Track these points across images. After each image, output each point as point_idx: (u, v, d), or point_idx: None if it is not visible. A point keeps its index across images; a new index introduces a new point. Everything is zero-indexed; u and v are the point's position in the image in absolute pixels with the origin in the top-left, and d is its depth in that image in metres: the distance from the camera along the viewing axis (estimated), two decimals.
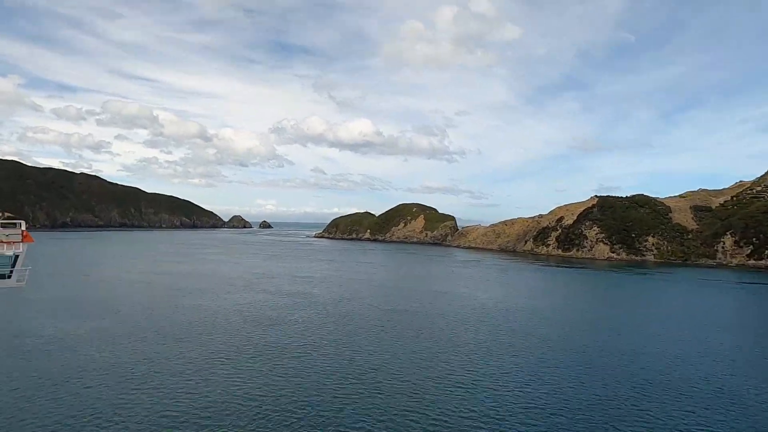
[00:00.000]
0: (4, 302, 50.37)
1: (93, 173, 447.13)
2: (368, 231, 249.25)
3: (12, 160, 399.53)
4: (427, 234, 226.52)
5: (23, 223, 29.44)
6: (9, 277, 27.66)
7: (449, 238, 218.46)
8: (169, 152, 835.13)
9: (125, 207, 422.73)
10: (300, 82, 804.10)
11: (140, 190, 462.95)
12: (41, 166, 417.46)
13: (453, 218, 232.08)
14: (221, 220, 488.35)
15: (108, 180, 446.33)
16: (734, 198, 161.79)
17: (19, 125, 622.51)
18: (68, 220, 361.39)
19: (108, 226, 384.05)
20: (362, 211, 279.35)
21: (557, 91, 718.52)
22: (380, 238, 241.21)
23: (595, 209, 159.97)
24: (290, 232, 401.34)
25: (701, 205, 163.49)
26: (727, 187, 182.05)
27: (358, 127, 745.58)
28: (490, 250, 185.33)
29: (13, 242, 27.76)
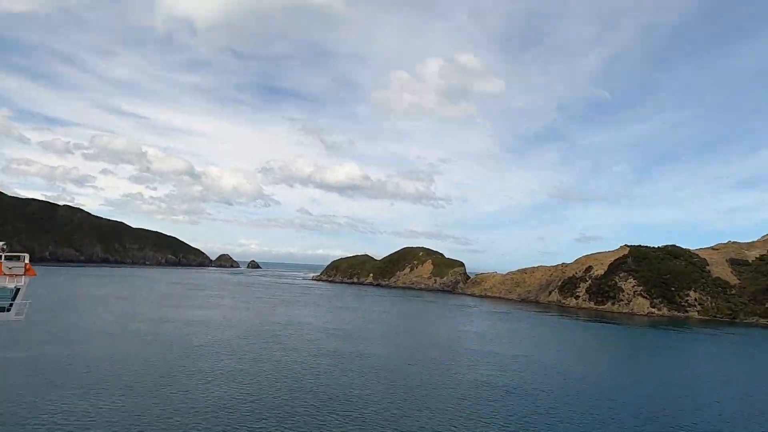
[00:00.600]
0: None
1: (76, 206, 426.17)
2: (371, 275, 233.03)
3: None
4: (435, 280, 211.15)
5: (27, 256, 28.74)
6: (8, 310, 26.85)
7: (460, 285, 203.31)
8: (155, 188, 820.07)
9: (109, 242, 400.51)
10: (289, 125, 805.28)
11: (125, 224, 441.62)
12: (23, 197, 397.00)
13: (462, 264, 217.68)
14: (208, 258, 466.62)
15: (92, 213, 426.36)
16: None
17: (4, 157, 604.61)
18: (47, 254, 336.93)
19: (90, 261, 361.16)
20: (353, 254, 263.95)
21: (538, 142, 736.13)
22: (384, 283, 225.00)
23: (628, 259, 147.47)
24: (282, 273, 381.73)
25: (737, 258, 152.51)
26: (756, 239, 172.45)
27: (346, 170, 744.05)
28: (509, 300, 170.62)
29: (16, 275, 27.11)
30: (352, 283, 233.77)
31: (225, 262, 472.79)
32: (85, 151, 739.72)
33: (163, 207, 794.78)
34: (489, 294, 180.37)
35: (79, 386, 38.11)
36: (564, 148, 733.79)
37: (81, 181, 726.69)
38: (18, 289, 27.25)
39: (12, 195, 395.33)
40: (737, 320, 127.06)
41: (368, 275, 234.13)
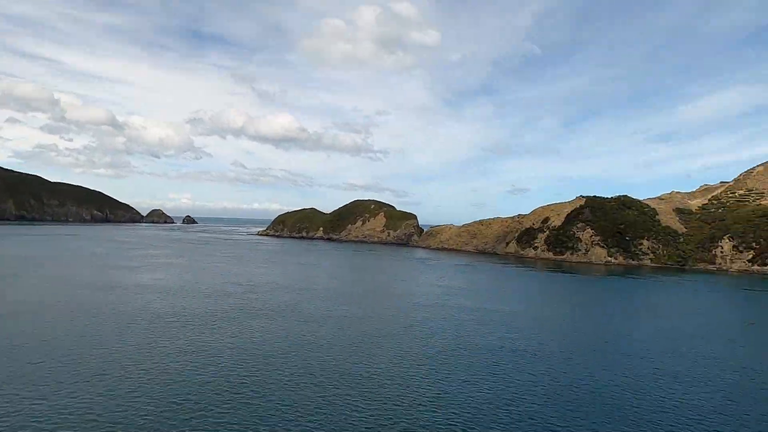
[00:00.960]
0: None
1: None
2: (320, 229, 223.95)
3: None
4: (389, 233, 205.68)
5: None
6: None
7: (414, 238, 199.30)
8: (71, 139, 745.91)
9: (22, 197, 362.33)
10: (217, 72, 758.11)
11: (41, 178, 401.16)
12: None
13: (415, 216, 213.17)
14: (139, 214, 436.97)
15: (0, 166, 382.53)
16: (714, 201, 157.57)
17: None
18: None
19: (3, 219, 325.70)
20: (296, 208, 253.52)
21: (474, 95, 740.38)
22: (335, 237, 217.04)
23: (585, 210, 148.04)
24: (223, 228, 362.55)
25: (682, 207, 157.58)
26: (694, 189, 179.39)
27: (280, 122, 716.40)
28: (465, 252, 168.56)
29: None
30: (302, 237, 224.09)
31: (158, 217, 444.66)
32: None
33: (82, 159, 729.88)
34: (445, 246, 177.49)
35: (36, 374, 28.08)
36: (497, 102, 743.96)
37: None
38: None
39: None
40: (686, 267, 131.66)
41: (318, 229, 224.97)
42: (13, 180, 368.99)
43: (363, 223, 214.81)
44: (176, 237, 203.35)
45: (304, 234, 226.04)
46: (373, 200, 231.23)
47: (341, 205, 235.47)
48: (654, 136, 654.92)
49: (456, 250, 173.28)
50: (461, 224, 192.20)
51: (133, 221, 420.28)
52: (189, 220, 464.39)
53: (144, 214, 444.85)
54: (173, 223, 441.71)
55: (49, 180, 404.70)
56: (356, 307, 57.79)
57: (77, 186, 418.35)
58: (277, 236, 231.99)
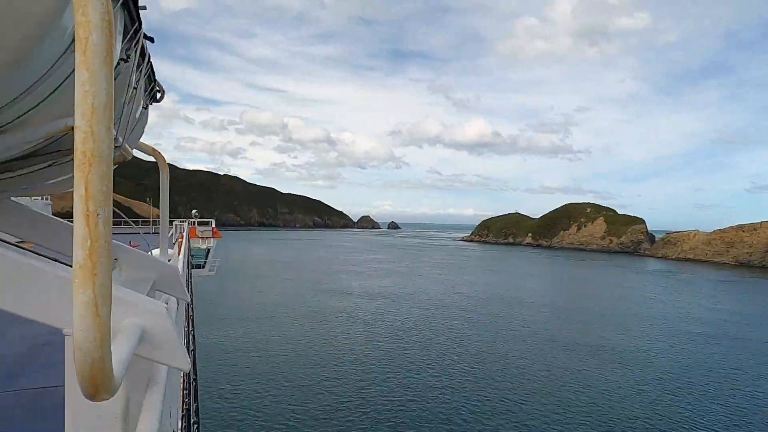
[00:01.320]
0: None
1: (233, 175, 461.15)
2: (529, 235, 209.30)
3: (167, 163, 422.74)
4: (611, 240, 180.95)
5: (213, 221, 35.95)
6: (203, 267, 30.04)
7: (645, 245, 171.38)
8: (295, 156, 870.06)
9: (262, 207, 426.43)
10: (415, 86, 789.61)
11: (275, 190, 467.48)
12: (190, 169, 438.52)
13: (643, 221, 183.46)
14: (351, 220, 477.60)
15: (247, 181, 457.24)
16: None
17: (174, 136, 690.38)
18: (213, 219, 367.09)
19: (248, 225, 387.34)
20: (502, 213, 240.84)
21: (695, 79, 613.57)
22: (544, 243, 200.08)
23: None
24: (426, 234, 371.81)
25: None
26: None
27: (474, 127, 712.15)
28: (719, 264, 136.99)
29: (206, 237, 33.23)
30: (508, 243, 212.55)
31: (366, 223, 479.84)
32: (237, 126, 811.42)
33: (304, 173, 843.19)
34: (689, 257, 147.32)
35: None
36: (731, 83, 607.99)
37: (234, 153, 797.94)
38: (209, 250, 30.90)
39: (182, 168, 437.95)
40: None
41: (526, 235, 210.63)
42: (256, 192, 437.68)
43: (578, 229, 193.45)
44: (388, 242, 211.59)
45: (511, 240, 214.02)
46: (590, 203, 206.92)
47: (551, 210, 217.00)
48: None
49: (705, 261, 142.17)
50: (691, 229, 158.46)
51: (346, 227, 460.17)
52: (393, 225, 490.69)
53: (355, 220, 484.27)
54: (380, 228, 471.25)
55: (281, 191, 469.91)
56: (613, 332, 45.94)
57: (301, 196, 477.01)
58: (482, 242, 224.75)
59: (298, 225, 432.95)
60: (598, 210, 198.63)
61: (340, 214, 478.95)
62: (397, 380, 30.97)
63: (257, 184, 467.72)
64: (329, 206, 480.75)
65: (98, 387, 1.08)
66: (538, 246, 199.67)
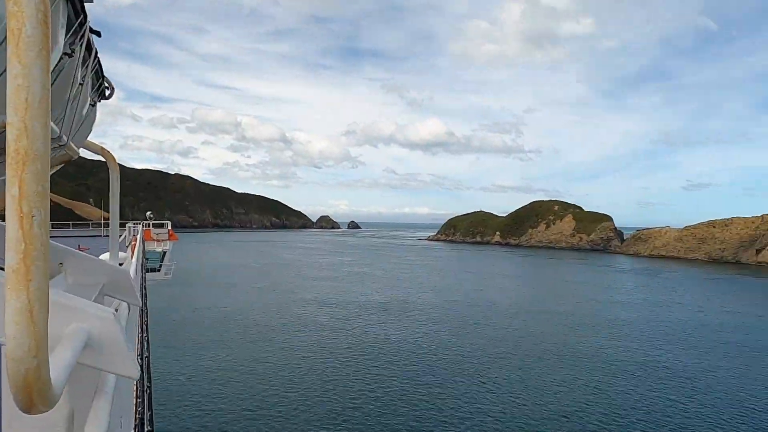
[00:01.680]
0: None
1: (185, 174, 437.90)
2: (497, 233, 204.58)
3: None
4: (581, 238, 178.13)
5: (169, 223, 33.45)
6: (158, 270, 29.07)
7: (615, 243, 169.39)
8: (249, 156, 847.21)
9: (216, 207, 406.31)
10: (370, 85, 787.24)
11: (230, 189, 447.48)
12: (138, 168, 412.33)
13: (610, 218, 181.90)
14: (310, 220, 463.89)
15: (199, 180, 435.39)
16: None
17: (121, 134, 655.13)
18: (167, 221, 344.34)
19: (201, 226, 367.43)
20: (471, 211, 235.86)
21: (637, 83, 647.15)
22: (513, 242, 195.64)
23: None
24: (389, 233, 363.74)
25: None
26: None
27: (428, 127, 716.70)
28: (692, 260, 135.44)
29: (162, 240, 30.66)
30: (475, 242, 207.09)
31: (326, 223, 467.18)
32: (188, 125, 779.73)
33: (258, 173, 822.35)
34: (661, 254, 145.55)
35: None
36: (668, 88, 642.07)
37: (185, 152, 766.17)
38: (164, 252, 30.35)
39: (129, 167, 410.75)
40: None
41: (494, 233, 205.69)
42: (209, 192, 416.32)
43: (547, 227, 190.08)
44: (352, 243, 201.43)
45: (479, 238, 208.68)
46: (557, 201, 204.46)
47: (517, 208, 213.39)
48: None
49: (677, 257, 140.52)
50: (638, 226, 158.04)
51: (305, 227, 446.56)
52: (354, 225, 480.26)
53: (313, 219, 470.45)
54: (340, 228, 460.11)
55: (236, 191, 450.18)
56: (598, 333, 38.38)
57: (257, 195, 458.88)
58: (449, 241, 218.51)
59: (254, 226, 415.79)
60: (565, 207, 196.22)
61: (299, 214, 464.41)
62: (363, 385, 27.68)
63: (210, 183, 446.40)
64: (287, 206, 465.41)
65: (33, 399, 0.99)
66: (507, 244, 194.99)
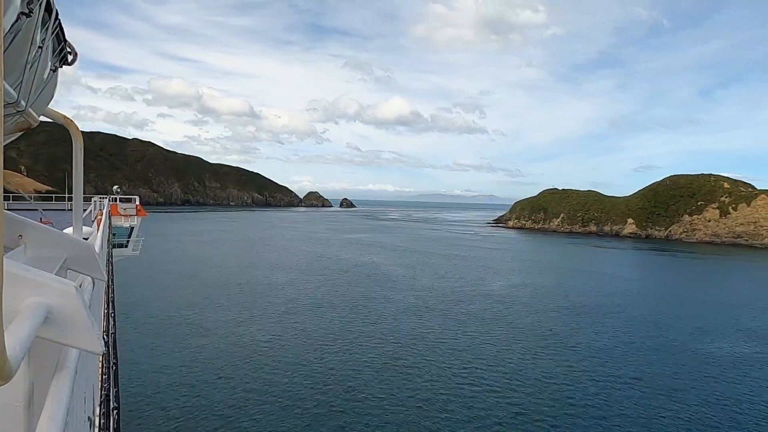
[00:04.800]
0: None
1: (146, 141, 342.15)
2: (630, 222, 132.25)
3: (56, 123, 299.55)
4: None
5: (137, 198, 31.11)
6: (126, 246, 28.07)
7: None
8: (209, 130, 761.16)
9: (187, 180, 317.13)
10: (335, 62, 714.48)
11: (202, 159, 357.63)
12: (89, 130, 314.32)
13: None
14: (297, 196, 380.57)
15: (165, 148, 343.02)
16: None
17: (72, 105, 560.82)
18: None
19: (169, 203, 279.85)
20: (573, 188, 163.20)
21: (591, 69, 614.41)
22: (658, 233, 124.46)
23: None
24: (407, 214, 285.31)
25: None
26: None
27: (392, 106, 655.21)
28: None
29: (130, 215, 28.92)
30: (588, 233, 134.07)
31: (315, 200, 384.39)
32: (146, 97, 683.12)
33: (217, 147, 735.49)
34: None
35: None
36: (620, 75, 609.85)
37: (141, 124, 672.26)
38: (132, 228, 28.51)
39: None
40: None
41: (622, 222, 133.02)
42: (178, 161, 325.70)
43: (723, 214, 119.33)
44: (387, 229, 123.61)
45: (593, 228, 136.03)
46: (719, 176, 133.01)
47: (648, 185, 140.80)
48: None
49: None
50: None
51: (291, 204, 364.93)
52: (347, 203, 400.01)
53: (300, 196, 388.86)
54: (331, 206, 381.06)
55: (210, 161, 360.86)
56: None
57: (236, 167, 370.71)
58: (540, 229, 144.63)
59: (232, 203, 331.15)
60: (738, 185, 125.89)
61: (284, 189, 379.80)
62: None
63: (179, 152, 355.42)
64: (271, 180, 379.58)
65: None
66: (649, 238, 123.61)
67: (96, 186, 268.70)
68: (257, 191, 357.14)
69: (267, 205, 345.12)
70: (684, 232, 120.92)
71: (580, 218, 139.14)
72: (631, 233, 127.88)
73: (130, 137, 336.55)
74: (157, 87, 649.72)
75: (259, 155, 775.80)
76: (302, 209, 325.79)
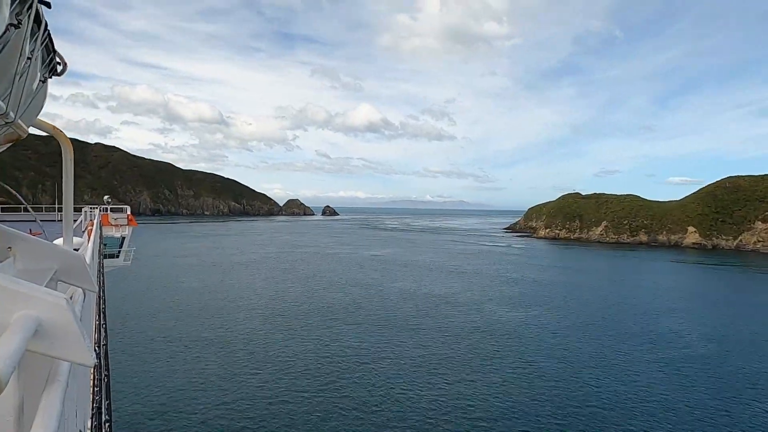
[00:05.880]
0: None
1: (111, 146, 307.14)
2: (692, 231, 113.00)
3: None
4: None
5: (129, 208, 30.28)
6: (117, 256, 27.33)
7: None
8: (174, 138, 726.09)
9: (157, 188, 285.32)
10: (303, 69, 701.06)
11: (174, 165, 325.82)
12: (44, 135, 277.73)
13: None
14: (277, 204, 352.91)
15: (131, 153, 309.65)
16: None
17: None
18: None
19: (138, 214, 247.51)
20: (613, 193, 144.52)
21: (554, 77, 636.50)
22: (726, 244, 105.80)
23: None
24: (405, 223, 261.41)
25: None
26: None
27: (360, 113, 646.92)
28: None
29: (121, 225, 28.20)
30: (640, 244, 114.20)
31: (297, 208, 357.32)
32: (110, 104, 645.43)
33: (184, 155, 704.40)
34: None
35: None
36: (580, 83, 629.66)
37: (103, 132, 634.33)
38: (123, 238, 27.89)
39: (31, 134, 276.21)
40: None
41: (682, 231, 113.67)
42: (146, 168, 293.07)
43: None
44: (400, 241, 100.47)
45: (646, 239, 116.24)
46: None
47: (702, 187, 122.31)
48: (760, 109, 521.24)
49: None
50: None
51: (271, 213, 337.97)
52: (330, 211, 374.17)
53: (280, 204, 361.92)
54: (314, 215, 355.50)
55: (182, 168, 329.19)
56: None
57: (211, 174, 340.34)
58: (577, 240, 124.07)
59: (207, 212, 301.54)
60: None
61: (263, 197, 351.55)
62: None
63: (147, 158, 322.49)
64: (248, 187, 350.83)
65: None
66: (716, 249, 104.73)
67: (53, 195, 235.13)
68: (234, 199, 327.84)
69: (245, 214, 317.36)
70: (759, 241, 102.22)
71: (627, 226, 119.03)
72: (694, 243, 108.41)
73: (92, 142, 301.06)
74: (121, 93, 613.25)
75: (228, 162, 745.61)
76: (283, 218, 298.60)
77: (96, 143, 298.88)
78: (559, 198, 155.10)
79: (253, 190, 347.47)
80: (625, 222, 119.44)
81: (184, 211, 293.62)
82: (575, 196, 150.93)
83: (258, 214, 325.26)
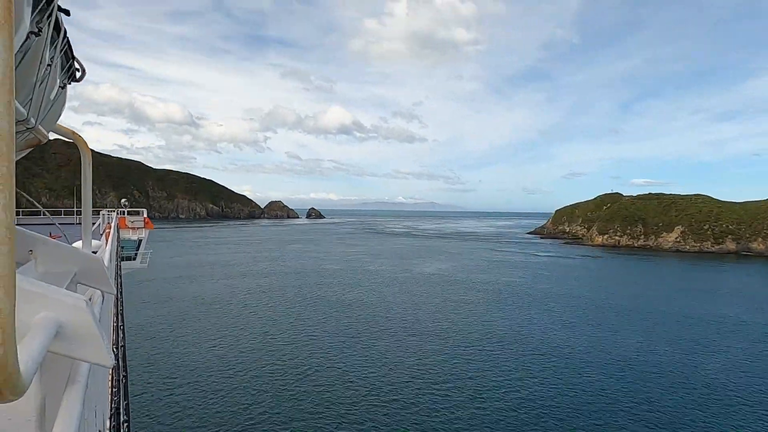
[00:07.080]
0: None
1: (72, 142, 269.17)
2: (727, 234, 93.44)
3: None
4: None
5: (145, 211, 30.18)
6: (134, 259, 27.32)
7: None
8: (141, 139, 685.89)
9: (126, 189, 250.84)
10: (274, 71, 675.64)
11: (144, 164, 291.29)
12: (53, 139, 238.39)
13: None
14: (258, 207, 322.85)
15: (98, 151, 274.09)
16: None
17: None
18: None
19: None
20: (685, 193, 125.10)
21: (522, 82, 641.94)
22: None
23: None
24: (398, 226, 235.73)
25: None
26: None
27: (332, 115, 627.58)
28: None
29: (137, 228, 28.06)
30: (728, 253, 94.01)
31: (280, 210, 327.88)
32: (72, 104, 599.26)
33: (150, 156, 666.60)
34: None
35: None
36: (548, 88, 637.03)
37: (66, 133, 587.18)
38: (140, 241, 27.71)
39: None
40: None
41: (757, 236, 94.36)
42: (114, 167, 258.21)
43: None
44: (458, 256, 76.75)
45: (734, 247, 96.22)
46: None
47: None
48: (719, 114, 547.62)
49: None
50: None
51: (252, 216, 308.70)
52: (316, 214, 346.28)
53: (261, 206, 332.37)
54: (298, 218, 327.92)
55: (153, 167, 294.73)
56: None
57: (186, 173, 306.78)
58: (642, 248, 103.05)
59: (182, 215, 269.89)
60: None
61: (243, 199, 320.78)
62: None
63: (114, 155, 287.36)
64: (226, 188, 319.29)
65: (1, 388, 0.90)
66: None
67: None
68: (211, 201, 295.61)
69: (224, 217, 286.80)
70: None
71: (709, 233, 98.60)
72: (734, 251, 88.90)
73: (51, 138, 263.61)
74: (84, 93, 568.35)
75: (196, 164, 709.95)
76: (267, 221, 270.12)
77: (55, 139, 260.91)
78: (597, 198, 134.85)
79: (232, 191, 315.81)
80: (706, 227, 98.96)
81: (157, 214, 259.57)
82: (614, 197, 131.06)
83: (238, 217, 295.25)
